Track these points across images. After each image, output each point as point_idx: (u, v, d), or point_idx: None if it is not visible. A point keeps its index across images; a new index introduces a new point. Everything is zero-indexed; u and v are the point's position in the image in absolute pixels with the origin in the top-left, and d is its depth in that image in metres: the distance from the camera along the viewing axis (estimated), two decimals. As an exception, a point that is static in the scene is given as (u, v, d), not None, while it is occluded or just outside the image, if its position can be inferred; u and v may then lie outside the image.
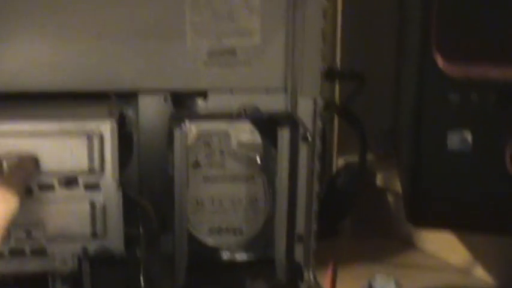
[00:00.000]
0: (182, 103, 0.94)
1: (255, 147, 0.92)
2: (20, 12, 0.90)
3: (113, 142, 0.83)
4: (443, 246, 1.12)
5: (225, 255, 0.95)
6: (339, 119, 1.20)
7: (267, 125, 0.91)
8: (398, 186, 1.12)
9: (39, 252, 0.85)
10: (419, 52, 0.93)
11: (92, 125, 0.82)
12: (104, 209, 0.84)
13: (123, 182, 0.86)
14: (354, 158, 1.14)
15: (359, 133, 1.08)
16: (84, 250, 0.85)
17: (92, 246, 0.85)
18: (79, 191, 0.84)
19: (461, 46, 0.90)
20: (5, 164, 0.81)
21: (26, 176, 0.81)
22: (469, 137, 0.91)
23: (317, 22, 0.92)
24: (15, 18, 0.90)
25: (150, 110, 0.93)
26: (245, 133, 0.91)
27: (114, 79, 0.92)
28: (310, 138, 0.90)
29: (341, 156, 1.23)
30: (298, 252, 0.96)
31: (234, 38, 0.92)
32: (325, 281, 0.96)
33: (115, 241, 0.85)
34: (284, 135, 0.88)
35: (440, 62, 0.89)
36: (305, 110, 0.94)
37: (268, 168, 0.92)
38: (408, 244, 1.16)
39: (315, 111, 0.93)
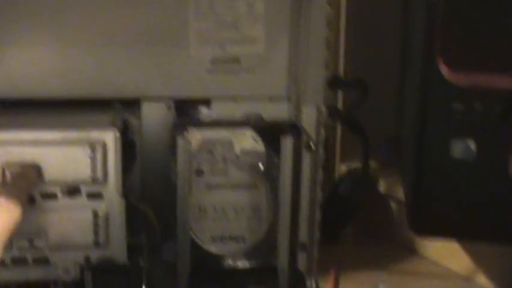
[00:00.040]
0: (185, 111, 0.94)
1: (258, 155, 0.92)
2: (23, 18, 0.89)
3: (116, 152, 0.83)
4: (446, 253, 1.11)
5: (228, 263, 0.95)
6: (342, 125, 1.20)
7: (270, 133, 0.91)
8: (401, 193, 1.12)
9: (42, 261, 0.85)
10: (424, 60, 0.92)
11: (95, 135, 0.82)
12: (107, 218, 0.84)
13: (125, 189, 0.85)
14: (356, 164, 1.14)
15: (362, 140, 1.08)
16: (87, 259, 0.85)
17: (94, 256, 0.85)
18: (82, 200, 0.84)
19: (465, 55, 0.90)
20: (7, 173, 0.80)
21: (29, 185, 0.81)
22: (472, 145, 0.90)
23: (321, 30, 0.92)
24: (18, 24, 0.90)
25: (154, 118, 0.93)
26: (248, 141, 0.91)
27: (118, 86, 0.92)
28: (313, 147, 0.90)
29: (343, 162, 1.23)
30: (301, 260, 0.95)
31: (237, 46, 0.92)
32: (327, 288, 0.96)
33: (117, 250, 0.85)
34: (287, 144, 0.88)
35: (444, 70, 0.89)
36: (308, 119, 0.93)
37: (271, 176, 0.92)
38: (411, 251, 1.16)
39: (318, 119, 0.93)
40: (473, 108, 0.90)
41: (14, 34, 0.90)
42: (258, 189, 0.92)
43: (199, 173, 0.91)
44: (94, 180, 0.83)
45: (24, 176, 0.81)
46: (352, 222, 1.16)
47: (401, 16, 1.11)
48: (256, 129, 0.91)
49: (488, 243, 0.98)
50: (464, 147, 0.91)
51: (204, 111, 0.94)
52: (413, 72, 0.97)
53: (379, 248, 1.17)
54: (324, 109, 0.93)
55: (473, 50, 0.89)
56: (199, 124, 0.93)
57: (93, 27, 0.91)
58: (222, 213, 0.92)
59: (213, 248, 0.93)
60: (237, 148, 0.91)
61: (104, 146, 0.82)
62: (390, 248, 1.17)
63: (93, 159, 0.82)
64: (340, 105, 1.17)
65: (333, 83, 1.00)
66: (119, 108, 0.91)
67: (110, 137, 0.82)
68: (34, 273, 0.85)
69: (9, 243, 0.79)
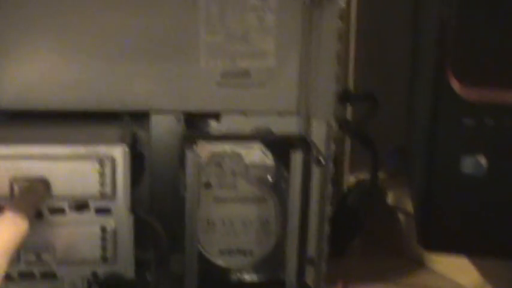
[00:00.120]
0: (195, 124, 0.94)
1: (267, 169, 0.91)
2: (32, 30, 0.89)
3: (124, 167, 0.82)
4: (454, 267, 1.11)
5: (236, 276, 0.94)
6: (351, 138, 1.19)
7: (279, 147, 0.90)
8: (409, 205, 1.12)
9: (49, 275, 0.84)
10: (434, 74, 0.92)
11: (104, 150, 0.82)
12: (115, 233, 0.84)
13: (134, 202, 0.85)
14: (365, 175, 1.13)
15: (371, 153, 1.07)
16: (94, 274, 0.85)
17: (102, 271, 0.85)
18: (90, 215, 0.83)
19: (477, 69, 0.89)
20: (15, 187, 0.80)
21: (37, 199, 0.81)
22: (483, 161, 0.90)
23: (332, 44, 0.91)
24: (28, 36, 0.89)
25: (163, 130, 0.93)
26: (257, 155, 0.91)
27: (127, 99, 0.91)
28: (323, 162, 0.89)
29: (352, 173, 1.22)
30: (309, 274, 0.95)
31: (248, 60, 0.92)
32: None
33: (125, 266, 0.85)
34: (297, 158, 0.88)
35: (455, 85, 0.88)
36: (318, 133, 0.93)
37: (280, 190, 0.91)
38: (419, 264, 1.15)
39: (328, 134, 0.93)
40: (484, 123, 0.89)
41: (23, 46, 0.90)
42: (267, 203, 0.92)
43: (208, 186, 0.91)
44: (102, 195, 0.82)
45: (32, 190, 0.80)
46: (360, 234, 1.15)
47: (411, 29, 1.10)
48: (266, 143, 0.90)
49: (498, 259, 0.98)
50: (474, 163, 0.90)
51: (213, 125, 0.94)
52: (423, 86, 0.97)
53: (387, 261, 1.16)
54: (334, 124, 0.92)
55: (485, 65, 0.89)
56: (209, 137, 0.92)
57: (103, 40, 0.90)
58: (230, 226, 0.92)
59: (220, 261, 0.93)
60: (246, 162, 0.90)
61: (113, 161, 0.82)
62: (398, 260, 1.16)
63: (101, 174, 0.82)
64: (349, 116, 1.17)
65: (343, 97, 0.99)
66: (127, 121, 0.90)
67: (118, 152, 0.82)
68: (41, 288, 0.85)
69: (16, 257, 0.80)
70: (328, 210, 0.94)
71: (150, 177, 0.93)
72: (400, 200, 1.18)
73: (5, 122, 0.91)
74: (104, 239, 0.84)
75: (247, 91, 0.93)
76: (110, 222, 0.84)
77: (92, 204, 0.83)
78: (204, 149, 0.89)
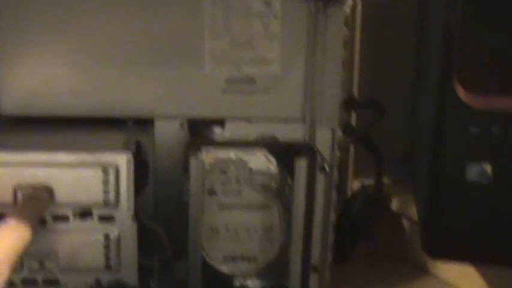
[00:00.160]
0: (199, 130, 0.93)
1: (271, 176, 0.91)
2: (36, 36, 0.89)
3: (128, 175, 0.82)
4: (459, 274, 1.11)
5: (239, 283, 0.94)
6: (356, 144, 1.19)
7: (284, 154, 0.90)
8: (413, 212, 1.11)
9: (52, 282, 0.84)
10: (440, 82, 0.92)
11: (107, 157, 0.81)
12: (118, 241, 0.84)
13: (137, 209, 0.85)
14: (369, 181, 1.13)
15: (376, 158, 1.07)
16: (97, 282, 0.85)
17: (105, 278, 0.85)
18: (93, 223, 0.83)
19: (482, 77, 0.89)
20: (19, 195, 0.80)
21: (40, 207, 0.80)
22: (488, 169, 0.89)
23: (337, 51, 0.91)
24: (31, 42, 0.89)
25: (167, 136, 0.93)
26: (262, 162, 0.90)
27: (131, 105, 0.91)
28: (327, 169, 0.89)
29: (356, 179, 1.22)
30: (313, 281, 0.94)
31: (253, 66, 0.91)
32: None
33: (129, 273, 0.85)
34: (301, 166, 0.88)
35: (461, 92, 0.88)
36: (323, 140, 0.93)
37: (284, 197, 0.91)
38: (423, 271, 1.15)
39: (333, 141, 0.92)
40: (490, 131, 0.89)
41: (27, 52, 0.89)
42: (271, 210, 0.91)
43: (212, 192, 0.90)
44: (106, 203, 0.82)
45: (36, 197, 0.80)
46: (364, 241, 1.15)
47: (416, 36, 1.10)
48: (270, 150, 0.90)
49: (503, 266, 0.97)
50: (480, 171, 0.90)
51: (217, 131, 0.93)
52: (429, 93, 0.96)
53: (391, 268, 1.16)
54: (339, 131, 0.92)
55: (491, 72, 0.88)
56: (213, 144, 0.92)
57: (107, 46, 0.90)
58: (234, 233, 0.92)
59: (224, 268, 0.93)
60: (250, 168, 0.90)
61: (117, 169, 0.82)
62: (403, 267, 1.16)
63: (105, 182, 0.81)
64: (353, 122, 1.16)
65: (349, 104, 0.99)
66: (131, 128, 0.90)
67: (122, 160, 0.82)
68: (44, 295, 0.85)
69: (19, 265, 0.79)
70: (332, 217, 0.94)
71: (154, 183, 0.93)
72: (404, 206, 1.17)
73: (9, 128, 0.91)
74: (107, 246, 0.83)
75: (252, 98, 0.92)
76: (113, 230, 0.84)
77: (96, 212, 0.83)
78: (208, 156, 0.89)
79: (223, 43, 0.90)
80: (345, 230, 1.05)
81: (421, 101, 1.05)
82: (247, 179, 0.90)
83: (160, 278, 0.89)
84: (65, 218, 0.83)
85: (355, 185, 1.22)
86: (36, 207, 0.80)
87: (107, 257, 0.84)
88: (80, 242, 0.83)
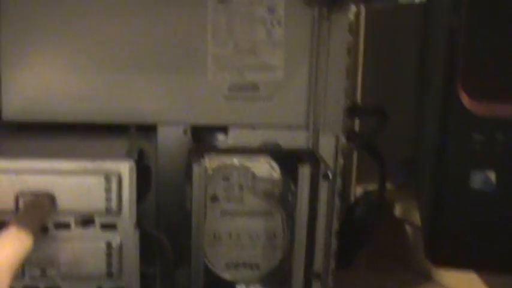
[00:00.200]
0: (202, 136, 0.93)
1: (274, 183, 0.90)
2: (39, 42, 0.89)
3: (131, 182, 0.81)
4: (462, 280, 1.10)
5: (241, 290, 0.94)
6: (359, 149, 1.19)
7: (287, 161, 0.89)
8: (416, 218, 1.11)
9: None
10: (444, 88, 0.91)
11: (110, 165, 0.81)
12: (120, 249, 0.83)
13: (140, 216, 0.84)
14: (372, 186, 1.12)
15: (379, 164, 1.07)
16: (99, 289, 0.84)
17: (107, 286, 0.84)
18: (95, 231, 0.83)
19: (487, 84, 0.88)
20: (21, 202, 0.80)
21: (42, 214, 0.80)
22: (492, 176, 0.89)
23: (341, 58, 0.91)
24: (34, 48, 0.89)
25: (169, 143, 0.93)
26: (265, 168, 0.90)
27: (134, 112, 0.91)
28: (330, 176, 0.89)
29: (359, 185, 1.22)
30: (315, 289, 0.94)
31: (256, 73, 0.91)
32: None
33: (131, 281, 0.84)
34: (305, 173, 0.87)
35: (465, 99, 0.87)
36: (326, 147, 0.92)
37: (287, 204, 0.91)
38: (426, 277, 1.15)
39: (336, 148, 0.92)
40: (495, 138, 0.88)
41: (29, 58, 0.89)
42: (274, 217, 0.91)
43: (215, 199, 0.90)
44: (108, 210, 0.82)
45: (38, 205, 0.80)
46: (366, 247, 1.14)
47: (420, 42, 1.10)
48: (273, 157, 0.89)
49: (507, 274, 0.97)
50: (484, 178, 0.89)
51: (220, 138, 0.93)
52: (433, 100, 0.96)
53: (394, 274, 1.16)
54: (342, 138, 0.92)
55: (495, 79, 0.88)
56: (216, 150, 0.92)
57: (110, 53, 0.90)
58: (237, 240, 0.91)
59: (227, 275, 0.92)
60: (253, 175, 0.90)
61: (119, 177, 0.81)
62: (405, 274, 1.16)
63: (107, 190, 0.81)
64: (356, 128, 1.16)
65: (352, 111, 0.99)
66: (134, 135, 0.90)
67: (125, 168, 0.81)
68: (46, 303, 0.84)
69: (21, 272, 0.79)
70: (335, 224, 0.94)
71: (157, 190, 0.93)
72: (407, 212, 1.17)
73: (11, 133, 0.90)
74: (109, 254, 0.83)
75: (255, 105, 0.92)
76: (115, 238, 0.83)
77: (98, 220, 0.82)
78: (211, 162, 0.89)
79: (227, 49, 0.90)
80: (347, 236, 1.05)
81: (425, 107, 1.05)
82: (250, 186, 0.90)
83: (162, 285, 0.88)
84: (66, 226, 0.82)
85: (358, 190, 1.22)
86: (38, 214, 0.79)
87: (109, 265, 0.83)
88: (82, 249, 0.83)
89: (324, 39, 0.90)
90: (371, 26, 1.17)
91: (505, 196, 0.90)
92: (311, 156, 0.90)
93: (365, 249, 1.15)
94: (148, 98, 0.91)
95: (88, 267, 0.83)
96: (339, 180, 0.93)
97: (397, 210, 1.18)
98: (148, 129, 0.92)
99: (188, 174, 0.88)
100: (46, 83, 0.90)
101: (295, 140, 0.93)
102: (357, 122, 1.17)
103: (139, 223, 0.84)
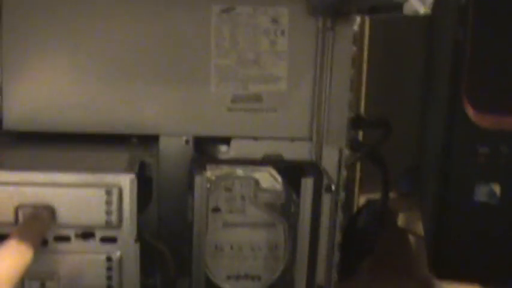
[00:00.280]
0: (204, 148, 0.93)
1: (276, 194, 0.90)
2: (41, 52, 0.89)
3: (131, 195, 0.81)
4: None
5: (242, 302, 0.93)
6: (363, 159, 1.18)
7: (290, 173, 0.89)
8: (420, 228, 1.11)
9: None
10: (449, 101, 0.91)
11: (111, 178, 0.80)
12: (120, 262, 0.83)
13: (141, 226, 0.84)
14: (375, 195, 1.12)
15: (383, 174, 1.06)
16: (100, 303, 0.84)
17: None
18: (95, 244, 0.82)
19: (492, 96, 0.88)
20: (21, 214, 0.79)
21: (42, 227, 0.79)
22: (497, 189, 0.89)
23: (345, 69, 0.90)
24: (36, 57, 0.89)
25: (171, 154, 0.92)
26: (267, 179, 0.89)
27: (136, 122, 0.91)
28: (333, 189, 0.88)
29: (363, 194, 1.21)
30: (317, 301, 0.94)
31: (259, 84, 0.90)
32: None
33: None
34: (308, 185, 0.86)
35: (470, 112, 0.87)
36: (330, 160, 0.92)
37: (289, 216, 0.90)
38: (428, 286, 1.14)
39: (340, 161, 0.91)
40: (499, 151, 0.88)
41: (31, 67, 0.89)
42: (276, 228, 0.91)
43: (217, 210, 0.90)
44: (108, 224, 0.81)
45: (38, 217, 0.79)
46: (369, 256, 1.14)
47: (424, 54, 1.09)
48: (276, 169, 0.89)
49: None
50: (488, 191, 0.89)
51: (222, 149, 0.92)
52: (437, 112, 0.96)
53: (396, 283, 1.15)
54: (346, 151, 0.91)
55: (500, 92, 0.87)
56: (218, 161, 0.91)
57: (112, 63, 0.90)
58: (239, 251, 0.91)
59: (228, 286, 0.92)
60: (256, 186, 0.89)
61: (120, 190, 0.80)
62: (408, 283, 1.15)
63: (108, 203, 0.80)
64: (360, 138, 1.15)
65: (356, 123, 0.98)
66: (136, 146, 0.89)
67: (125, 181, 0.81)
68: (45, 315, 0.84)
69: (20, 285, 0.79)
70: (338, 236, 0.93)
71: (158, 200, 0.92)
72: (410, 222, 1.17)
73: (12, 143, 0.90)
74: (109, 268, 0.82)
75: (258, 116, 0.91)
76: (115, 251, 0.82)
77: (98, 233, 0.82)
78: (213, 173, 0.88)
79: (230, 60, 0.89)
80: (350, 245, 1.04)
81: (429, 118, 1.04)
82: (252, 197, 0.90)
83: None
84: (66, 239, 0.82)
85: (361, 199, 1.21)
86: (38, 227, 0.79)
87: (109, 278, 0.83)
88: (82, 262, 0.82)
89: (328, 50, 0.89)
90: (375, 37, 1.17)
91: (509, 209, 0.89)
92: (314, 168, 0.89)
93: (368, 259, 1.14)
94: (151, 108, 0.90)
95: (88, 280, 0.83)
96: (342, 192, 0.92)
97: (400, 220, 1.17)
98: (150, 140, 0.91)
99: (190, 185, 0.87)
100: (47, 92, 0.89)
101: (298, 151, 0.92)
102: (360, 134, 1.17)
103: (140, 234, 0.84)
